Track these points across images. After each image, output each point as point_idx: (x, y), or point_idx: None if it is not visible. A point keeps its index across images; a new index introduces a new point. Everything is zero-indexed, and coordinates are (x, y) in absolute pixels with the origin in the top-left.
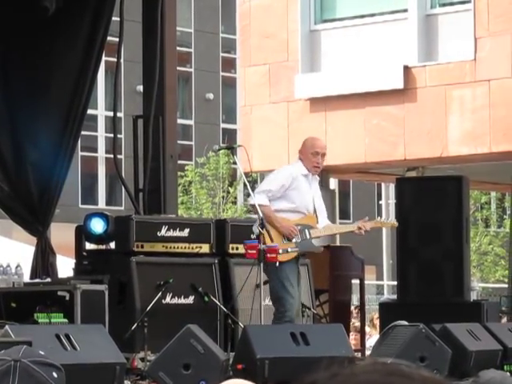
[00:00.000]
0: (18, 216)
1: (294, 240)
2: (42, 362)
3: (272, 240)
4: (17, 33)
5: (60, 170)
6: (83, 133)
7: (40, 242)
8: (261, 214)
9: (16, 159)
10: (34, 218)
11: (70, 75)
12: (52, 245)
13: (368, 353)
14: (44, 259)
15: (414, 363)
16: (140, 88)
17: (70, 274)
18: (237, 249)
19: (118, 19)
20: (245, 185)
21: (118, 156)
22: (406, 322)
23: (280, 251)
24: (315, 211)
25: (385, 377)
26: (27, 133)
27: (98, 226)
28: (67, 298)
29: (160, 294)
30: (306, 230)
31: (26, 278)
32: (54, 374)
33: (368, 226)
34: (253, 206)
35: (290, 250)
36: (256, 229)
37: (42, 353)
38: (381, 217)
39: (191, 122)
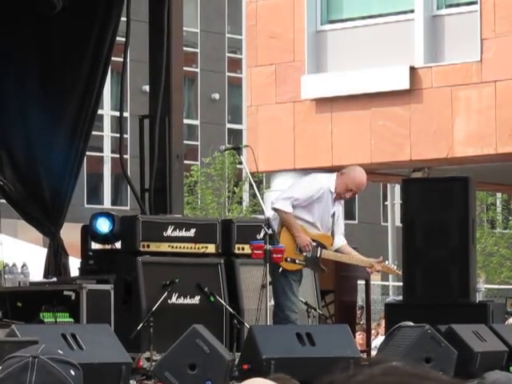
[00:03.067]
0: (30, 216)
1: (304, 254)
2: (61, 360)
3: (278, 241)
4: (27, 35)
5: (71, 172)
6: None
7: (52, 242)
8: (281, 219)
9: (28, 161)
10: (46, 218)
11: (80, 77)
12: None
13: (374, 353)
14: (56, 260)
15: (419, 364)
16: (146, 88)
17: (76, 273)
18: (243, 249)
19: (125, 19)
20: (250, 185)
21: (124, 156)
22: (411, 323)
23: (288, 259)
24: (333, 230)
25: (402, 378)
26: (39, 135)
27: (103, 225)
28: (73, 297)
29: (166, 293)
30: (319, 249)
31: (32, 278)
32: (72, 372)
33: (378, 268)
34: (275, 209)
35: (297, 261)
36: (265, 230)
37: (61, 351)
38: (389, 262)
39: (197, 122)
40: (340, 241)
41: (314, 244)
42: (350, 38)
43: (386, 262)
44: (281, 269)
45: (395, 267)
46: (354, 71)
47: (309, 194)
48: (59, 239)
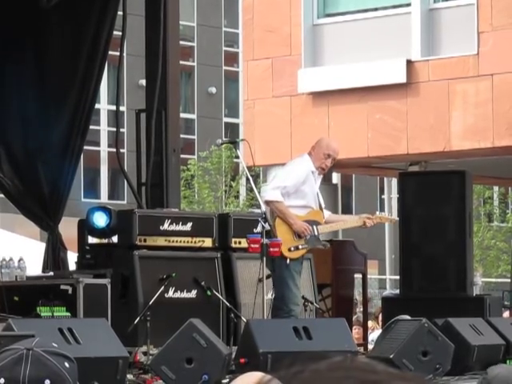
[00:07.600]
0: (29, 211)
1: (304, 237)
2: (55, 352)
3: (276, 236)
4: (23, 29)
5: (69, 166)
6: None
7: (51, 236)
8: (274, 210)
9: (26, 156)
10: (44, 213)
11: (77, 71)
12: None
13: (370, 347)
14: (55, 254)
15: (416, 357)
16: (143, 82)
17: (73, 267)
18: (239, 243)
19: (121, 13)
20: (247, 179)
21: (121, 150)
22: (408, 317)
23: (292, 248)
24: (320, 206)
25: (349, 373)
26: (37, 129)
27: (100, 219)
28: (70, 291)
29: (163, 288)
30: (314, 227)
31: (29, 272)
32: (66, 364)
33: (371, 223)
34: (267, 202)
35: (300, 246)
36: (262, 224)
37: (55, 345)
38: (379, 211)
39: (194, 116)
40: (326, 213)
41: (309, 224)
42: (346, 31)
43: (377, 213)
44: (288, 260)
45: (387, 214)
46: (351, 65)
47: (295, 179)
48: (58, 234)
